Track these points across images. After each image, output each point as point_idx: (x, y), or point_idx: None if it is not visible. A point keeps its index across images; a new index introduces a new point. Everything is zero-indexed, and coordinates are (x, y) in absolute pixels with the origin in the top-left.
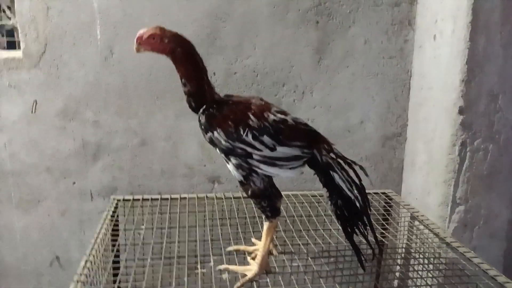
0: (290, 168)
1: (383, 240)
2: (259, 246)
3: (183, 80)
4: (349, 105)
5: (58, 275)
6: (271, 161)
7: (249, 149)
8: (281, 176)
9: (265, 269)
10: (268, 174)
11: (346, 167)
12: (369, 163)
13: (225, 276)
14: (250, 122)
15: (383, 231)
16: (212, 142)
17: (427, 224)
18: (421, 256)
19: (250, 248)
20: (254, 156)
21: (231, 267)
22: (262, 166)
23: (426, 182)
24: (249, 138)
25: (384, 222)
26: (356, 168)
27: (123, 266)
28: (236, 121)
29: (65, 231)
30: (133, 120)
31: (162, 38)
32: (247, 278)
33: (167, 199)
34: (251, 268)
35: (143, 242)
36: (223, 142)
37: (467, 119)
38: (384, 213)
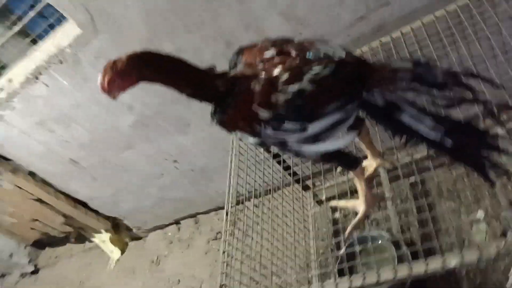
0: (338, 137)
1: None
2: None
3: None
4: None
5: None
6: (312, 139)
7: (280, 138)
8: (332, 148)
9: (372, 205)
10: (316, 152)
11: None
12: None
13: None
14: (261, 116)
15: None
16: (243, 138)
17: None
18: None
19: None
20: (289, 143)
21: (341, 203)
22: (304, 147)
23: None
24: (270, 131)
25: None
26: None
27: None
28: (247, 121)
29: None
30: None
31: (122, 76)
32: (355, 221)
33: None
34: (360, 205)
35: None
36: (251, 139)
37: None
38: None
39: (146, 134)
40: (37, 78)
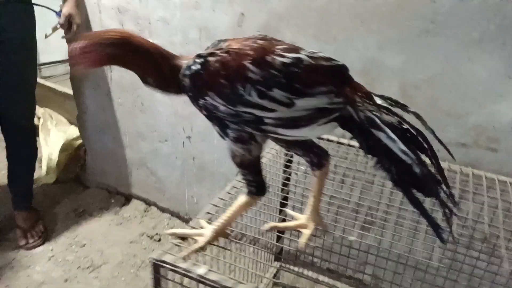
0: (318, 127)
1: None
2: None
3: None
4: None
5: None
6: (292, 123)
7: (258, 112)
8: (308, 137)
9: (220, 235)
10: (289, 138)
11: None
12: None
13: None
14: (250, 75)
15: None
16: (208, 111)
17: None
18: None
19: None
20: (267, 120)
21: (180, 231)
22: (280, 130)
23: None
24: (254, 98)
25: None
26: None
27: None
28: (230, 77)
29: None
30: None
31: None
32: (196, 246)
33: None
34: (204, 233)
35: None
36: (222, 108)
37: None
38: None
39: None
40: None
